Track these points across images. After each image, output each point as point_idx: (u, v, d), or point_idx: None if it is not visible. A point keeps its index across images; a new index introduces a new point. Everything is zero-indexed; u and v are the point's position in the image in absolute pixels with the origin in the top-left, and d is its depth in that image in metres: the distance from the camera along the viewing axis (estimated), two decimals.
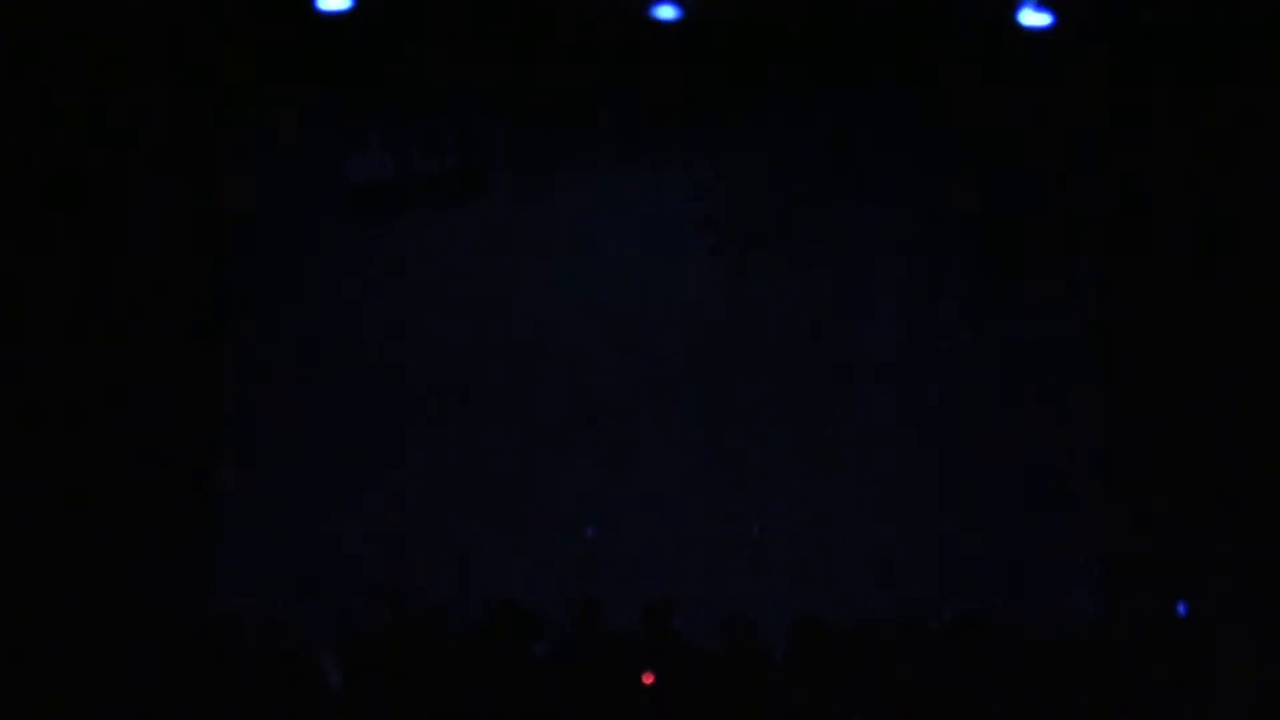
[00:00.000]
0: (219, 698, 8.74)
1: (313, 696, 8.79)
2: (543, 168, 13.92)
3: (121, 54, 12.58)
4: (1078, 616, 12.57)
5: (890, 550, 13.41)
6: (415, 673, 9.11)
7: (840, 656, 9.36)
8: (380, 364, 13.80)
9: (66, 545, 12.00)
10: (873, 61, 13.58)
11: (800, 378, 13.85)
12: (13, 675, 9.46)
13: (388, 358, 13.80)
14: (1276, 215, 13.08)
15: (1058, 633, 10.79)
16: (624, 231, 13.95)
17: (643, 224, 13.96)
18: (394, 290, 13.85)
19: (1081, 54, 13.39)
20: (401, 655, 9.31)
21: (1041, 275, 13.92)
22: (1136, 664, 9.79)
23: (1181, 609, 12.48)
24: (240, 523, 13.47)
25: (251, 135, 13.80)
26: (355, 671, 9.05)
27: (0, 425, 12.01)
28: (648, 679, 9.20)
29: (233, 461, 13.56)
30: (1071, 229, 13.87)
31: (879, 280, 13.93)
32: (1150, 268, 13.56)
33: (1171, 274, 13.41)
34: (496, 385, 13.77)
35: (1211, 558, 12.82)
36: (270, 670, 9.00)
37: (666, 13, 12.85)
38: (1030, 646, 9.89)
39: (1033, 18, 12.80)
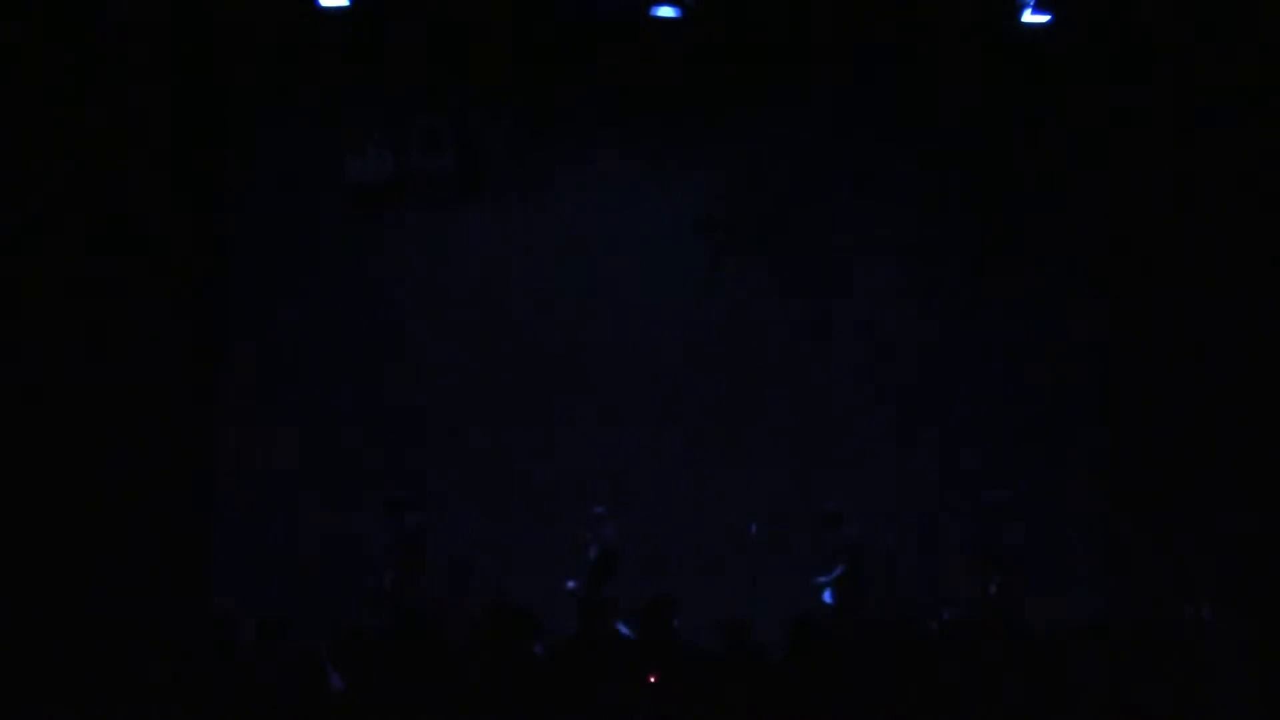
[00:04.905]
0: (219, 698, 8.73)
1: (312, 696, 8.78)
2: (543, 168, 13.95)
3: (122, 54, 12.58)
4: (1078, 616, 12.58)
5: (890, 550, 13.42)
6: (415, 673, 9.10)
7: (840, 656, 9.35)
8: (380, 363, 13.80)
9: (67, 546, 11.99)
10: (872, 61, 13.60)
11: (800, 377, 13.86)
12: (13, 675, 9.45)
13: (387, 357, 13.81)
14: (1276, 215, 13.08)
15: (1058, 632, 10.79)
16: (623, 231, 13.97)
17: (642, 224, 13.98)
18: (394, 290, 13.87)
19: (1081, 54, 13.40)
20: (401, 655, 9.30)
21: (1041, 276, 13.95)
22: (1136, 663, 9.78)
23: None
24: (239, 523, 13.47)
25: (251, 135, 13.82)
26: (355, 671, 9.05)
27: (0, 426, 12.00)
28: (648, 680, 9.19)
29: (233, 462, 13.56)
30: (1071, 229, 13.89)
31: (879, 280, 13.95)
32: (1150, 268, 13.57)
33: (1172, 274, 13.42)
34: (496, 385, 13.77)
35: (1211, 557, 12.83)
36: (270, 670, 8.99)
37: (666, 13, 12.87)
38: (1030, 646, 9.89)
39: (1033, 18, 12.81)
